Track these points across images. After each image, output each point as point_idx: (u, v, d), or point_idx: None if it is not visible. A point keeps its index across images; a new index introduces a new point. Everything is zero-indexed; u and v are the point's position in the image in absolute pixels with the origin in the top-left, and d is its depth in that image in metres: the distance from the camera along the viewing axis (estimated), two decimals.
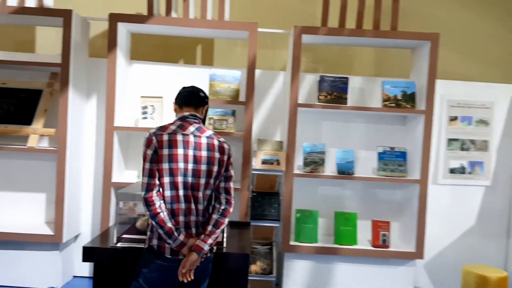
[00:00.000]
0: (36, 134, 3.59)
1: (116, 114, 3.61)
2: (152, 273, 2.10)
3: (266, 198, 3.58)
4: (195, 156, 2.09)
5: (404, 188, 3.95)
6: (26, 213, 3.83)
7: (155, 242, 2.10)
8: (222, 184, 2.19)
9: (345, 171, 3.73)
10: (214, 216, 2.14)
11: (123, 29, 3.75)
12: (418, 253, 3.66)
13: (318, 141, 3.96)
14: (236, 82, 3.75)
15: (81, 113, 3.82)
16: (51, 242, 3.55)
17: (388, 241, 3.71)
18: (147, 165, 2.04)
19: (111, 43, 3.60)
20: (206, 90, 3.75)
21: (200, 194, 2.11)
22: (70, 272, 3.85)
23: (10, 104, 3.69)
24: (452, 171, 4.04)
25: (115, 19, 3.62)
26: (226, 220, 2.18)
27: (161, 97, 3.77)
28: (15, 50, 4.23)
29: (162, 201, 2.05)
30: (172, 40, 4.31)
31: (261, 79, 4.05)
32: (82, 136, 3.89)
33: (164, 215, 2.03)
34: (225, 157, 2.18)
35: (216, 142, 2.16)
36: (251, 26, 3.63)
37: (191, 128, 2.14)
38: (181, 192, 2.07)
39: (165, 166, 2.04)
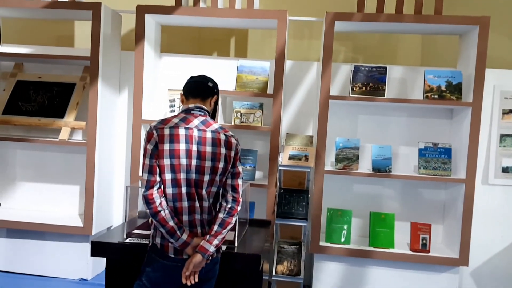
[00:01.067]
0: (68, 127, 3.64)
1: (144, 107, 3.58)
2: (155, 272, 2.01)
3: (294, 195, 3.40)
4: (199, 152, 1.97)
5: (448, 188, 3.61)
6: (60, 204, 3.92)
7: (158, 240, 2.01)
8: (229, 181, 2.05)
9: (381, 169, 3.47)
10: (220, 215, 2.01)
11: (151, 21, 3.70)
12: (462, 260, 3.33)
13: (353, 136, 3.71)
14: (264, 74, 3.59)
15: (112, 106, 3.83)
16: (81, 234, 3.59)
17: (429, 245, 3.40)
18: (147, 161, 1.95)
19: (139, 35, 3.57)
20: (233, 82, 3.63)
21: (204, 191, 1.99)
22: (102, 264, 3.89)
23: (44, 97, 3.78)
24: (505, 170, 3.64)
25: (142, 10, 3.58)
26: (234, 220, 2.04)
27: None
28: (56, 44, 4.33)
29: (163, 199, 1.95)
30: (205, 33, 4.23)
31: (293, 71, 3.86)
32: (114, 129, 3.90)
33: (165, 213, 1.93)
34: (233, 153, 2.03)
35: (222, 137, 2.02)
36: (280, 14, 3.45)
37: (196, 122, 2.01)
38: (184, 190, 1.96)
39: (166, 162, 1.93)
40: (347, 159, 3.52)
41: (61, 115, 3.69)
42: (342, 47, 4.14)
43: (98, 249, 2.37)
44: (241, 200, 2.06)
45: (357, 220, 3.69)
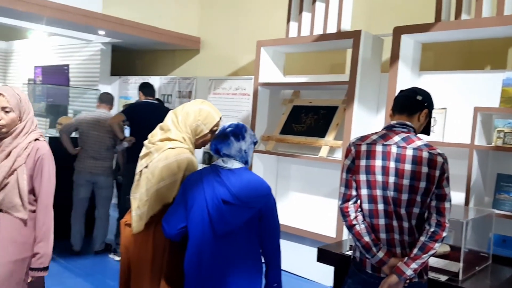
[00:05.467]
0: (327, 146, 4.03)
1: None
2: (355, 285, 2.04)
3: None
4: (397, 169, 1.89)
5: None
6: (323, 214, 4.32)
7: (357, 254, 2.03)
8: (433, 203, 1.87)
9: None
10: (422, 239, 1.86)
11: (409, 40, 3.68)
12: None
13: None
14: None
15: (369, 126, 3.98)
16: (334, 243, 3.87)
17: None
18: (344, 175, 2.02)
19: (393, 56, 3.61)
20: (497, 97, 3.18)
21: (404, 211, 1.88)
22: None
23: (312, 119, 4.31)
24: None
25: (399, 31, 3.61)
26: (437, 245, 1.84)
27: (445, 108, 3.46)
28: (329, 72, 4.87)
29: (359, 213, 1.97)
30: (476, 45, 3.86)
31: None
32: None
33: (360, 227, 1.94)
34: (437, 172, 1.85)
35: (425, 154, 1.87)
36: None
37: (396, 138, 1.94)
38: (380, 207, 1.92)
39: (362, 177, 1.95)
40: None
41: (323, 135, 4.12)
42: None
43: (322, 256, 2.56)
44: (447, 225, 1.84)
45: None
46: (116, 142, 4.47)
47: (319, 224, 4.20)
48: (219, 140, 2.02)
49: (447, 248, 2.44)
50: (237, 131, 2.01)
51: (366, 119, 3.95)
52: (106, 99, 4.68)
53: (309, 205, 4.45)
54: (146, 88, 4.78)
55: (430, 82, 3.73)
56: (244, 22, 5.68)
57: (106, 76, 6.92)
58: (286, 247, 4.27)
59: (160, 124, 2.21)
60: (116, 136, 4.38)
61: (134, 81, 6.50)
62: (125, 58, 7.25)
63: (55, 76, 7.43)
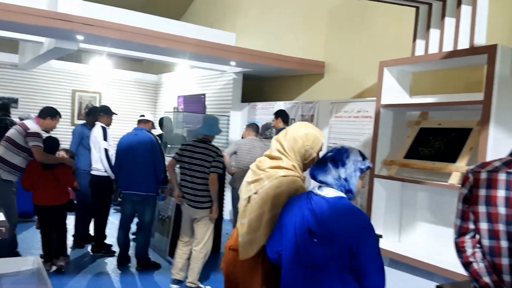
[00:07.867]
0: (458, 172, 3.65)
1: None
2: None
3: None
4: None
5: None
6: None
7: None
8: None
9: None
10: None
11: None
12: None
13: None
14: None
15: (508, 151, 3.51)
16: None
17: None
18: (460, 206, 1.79)
19: None
20: None
21: None
22: None
23: (441, 142, 3.95)
24: None
25: None
26: None
27: None
28: (464, 91, 4.45)
29: (478, 250, 1.73)
30: None
31: None
32: None
33: (479, 266, 1.70)
34: None
35: None
36: None
37: None
38: (503, 244, 1.66)
39: (482, 209, 1.71)
40: None
41: (454, 160, 3.74)
42: None
43: None
44: None
45: None
46: None
47: (449, 259, 3.79)
48: (317, 165, 1.96)
49: None
50: (337, 157, 1.90)
51: (505, 142, 3.49)
52: (255, 128, 5.64)
53: (438, 237, 4.05)
54: (284, 116, 5.39)
55: None
56: (368, 43, 5.56)
57: (237, 103, 7.38)
58: (412, 282, 3.96)
59: (265, 153, 2.25)
60: None
61: (261, 107, 6.79)
62: (254, 86, 7.65)
63: (194, 104, 8.19)
